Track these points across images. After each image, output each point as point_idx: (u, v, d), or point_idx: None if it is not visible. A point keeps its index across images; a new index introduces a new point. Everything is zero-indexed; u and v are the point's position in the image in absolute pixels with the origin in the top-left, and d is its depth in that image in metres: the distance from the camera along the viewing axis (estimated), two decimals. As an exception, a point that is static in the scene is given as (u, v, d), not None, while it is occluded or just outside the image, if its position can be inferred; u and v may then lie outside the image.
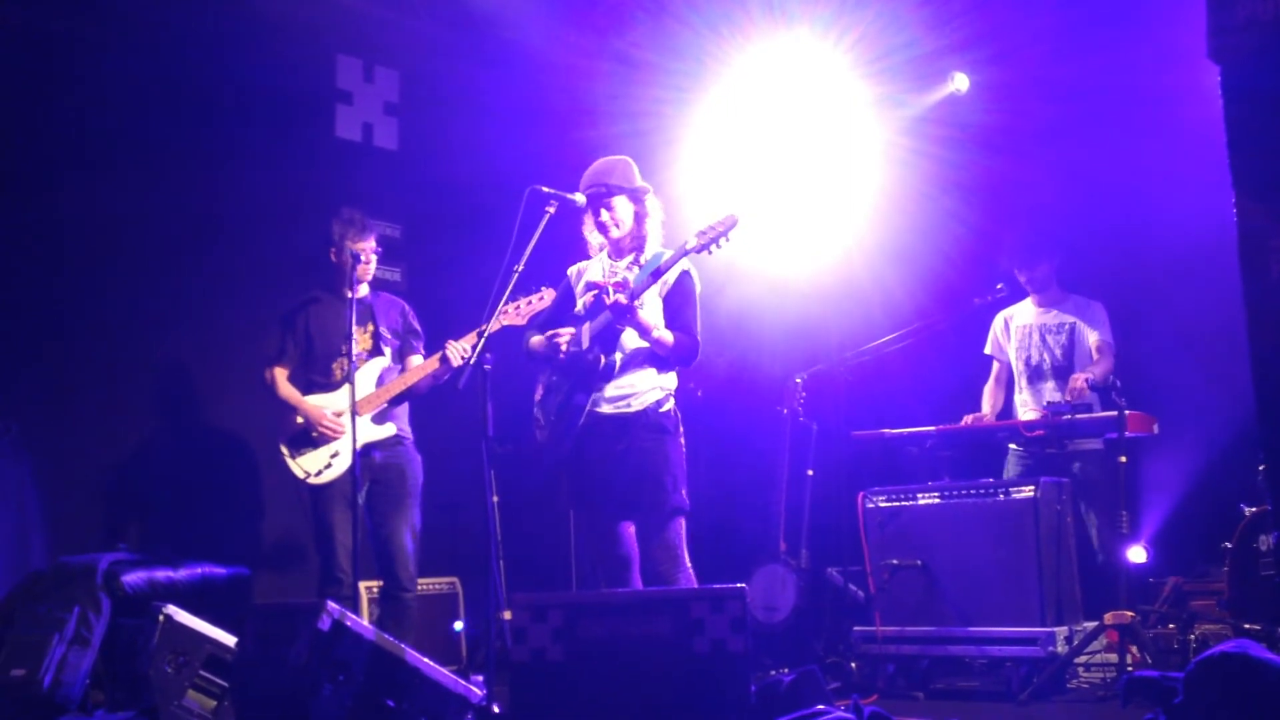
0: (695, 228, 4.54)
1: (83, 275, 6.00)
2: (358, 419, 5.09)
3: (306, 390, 5.41)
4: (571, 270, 4.91)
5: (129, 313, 6.13)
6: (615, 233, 4.69)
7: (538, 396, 4.74)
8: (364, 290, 5.52)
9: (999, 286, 6.11)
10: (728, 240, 4.48)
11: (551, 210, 4.46)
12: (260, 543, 6.52)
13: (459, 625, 6.53)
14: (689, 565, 4.51)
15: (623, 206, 4.69)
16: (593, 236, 4.79)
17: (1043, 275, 6.11)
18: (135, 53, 6.11)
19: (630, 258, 4.72)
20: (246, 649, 4.04)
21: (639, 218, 4.71)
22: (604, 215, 4.67)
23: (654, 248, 4.71)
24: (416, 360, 5.49)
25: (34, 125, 5.81)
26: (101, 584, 5.03)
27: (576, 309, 4.77)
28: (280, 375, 5.45)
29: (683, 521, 4.54)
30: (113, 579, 5.07)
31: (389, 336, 5.53)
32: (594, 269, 4.80)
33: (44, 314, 5.86)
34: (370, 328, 5.49)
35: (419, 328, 5.67)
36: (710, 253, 4.50)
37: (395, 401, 5.45)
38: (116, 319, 6.09)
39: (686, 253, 4.50)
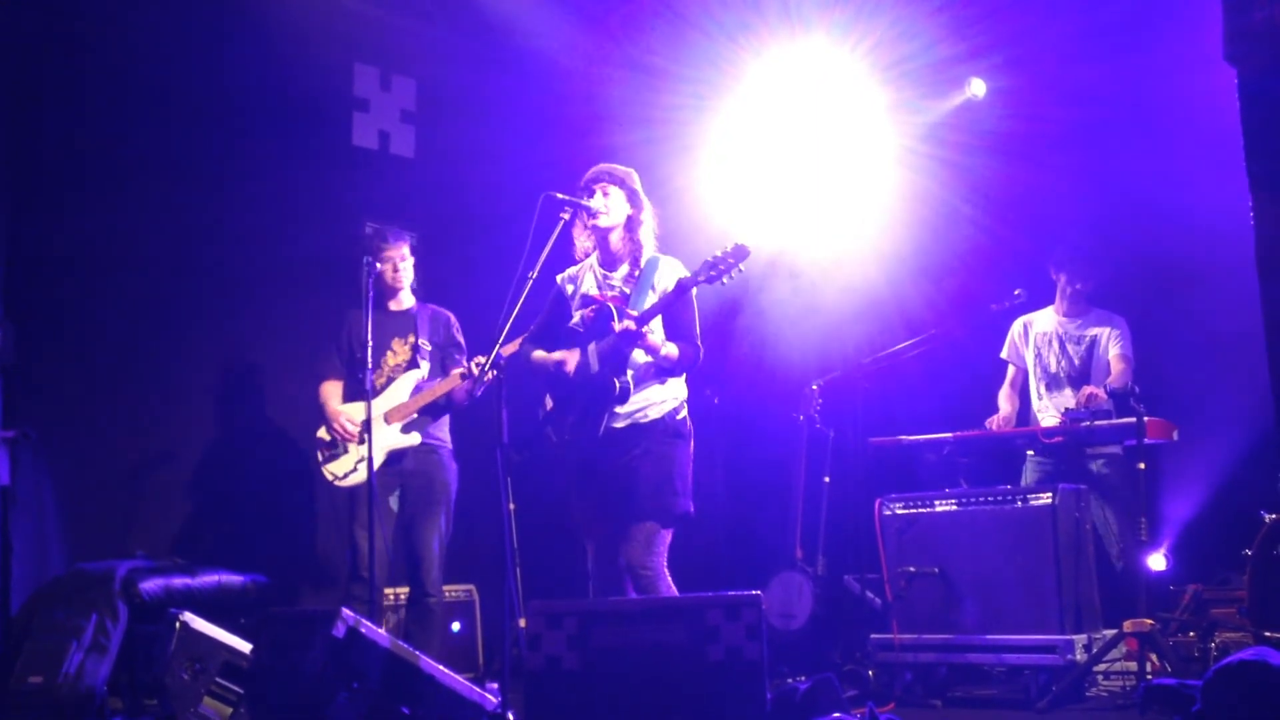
0: (703, 253, 4.41)
1: (100, 282, 6.02)
2: (386, 426, 5.38)
3: (353, 398, 5.55)
4: (561, 277, 4.82)
5: (147, 319, 6.15)
6: (604, 220, 4.60)
7: (549, 406, 4.70)
8: (408, 301, 5.72)
9: (1017, 292, 6.07)
10: (741, 272, 4.34)
11: (566, 216, 4.48)
12: (278, 550, 6.50)
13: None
14: (667, 572, 4.46)
15: (617, 197, 4.63)
16: (582, 240, 4.71)
17: (1091, 289, 6.10)
18: (154, 61, 6.14)
19: (625, 268, 4.65)
20: (262, 656, 4.05)
21: (631, 222, 4.64)
22: (597, 198, 4.59)
23: (648, 255, 4.65)
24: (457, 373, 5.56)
25: (54, 134, 5.85)
26: (119, 591, 5.04)
27: (573, 322, 4.68)
28: (325, 389, 5.63)
29: (671, 531, 4.51)
30: (130, 586, 5.08)
31: (426, 349, 5.62)
32: (588, 280, 4.72)
33: (62, 321, 5.88)
34: (411, 339, 5.63)
35: (462, 341, 5.78)
36: (723, 284, 4.37)
37: (431, 412, 5.55)
38: (134, 325, 6.12)
39: (697, 283, 4.37)
